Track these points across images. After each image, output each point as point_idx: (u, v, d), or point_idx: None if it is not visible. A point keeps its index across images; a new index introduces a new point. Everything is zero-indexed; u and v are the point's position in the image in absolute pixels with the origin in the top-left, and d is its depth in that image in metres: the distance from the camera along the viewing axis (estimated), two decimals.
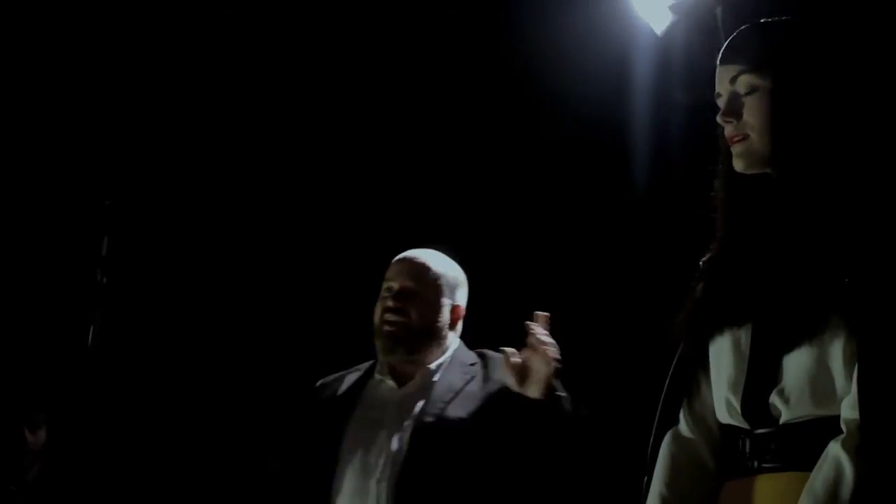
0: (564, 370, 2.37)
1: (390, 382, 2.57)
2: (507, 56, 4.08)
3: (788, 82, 1.64)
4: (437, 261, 2.64)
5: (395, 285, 2.58)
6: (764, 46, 1.68)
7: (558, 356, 2.29)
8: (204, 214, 4.31)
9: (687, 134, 3.90)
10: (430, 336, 2.57)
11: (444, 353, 2.59)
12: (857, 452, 1.45)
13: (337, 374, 2.70)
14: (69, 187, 4.11)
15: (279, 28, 4.16)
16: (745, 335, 1.65)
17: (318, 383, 2.70)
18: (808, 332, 1.56)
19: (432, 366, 2.56)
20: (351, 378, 2.64)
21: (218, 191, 4.33)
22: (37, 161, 4.12)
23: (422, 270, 2.60)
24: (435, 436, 2.43)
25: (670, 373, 1.80)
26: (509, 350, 2.33)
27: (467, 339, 2.72)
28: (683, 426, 1.76)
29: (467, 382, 2.53)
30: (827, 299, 1.54)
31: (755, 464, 1.62)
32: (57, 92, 4.04)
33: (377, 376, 2.60)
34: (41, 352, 4.03)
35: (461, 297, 2.65)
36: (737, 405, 1.64)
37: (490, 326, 2.78)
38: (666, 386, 1.80)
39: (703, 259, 1.79)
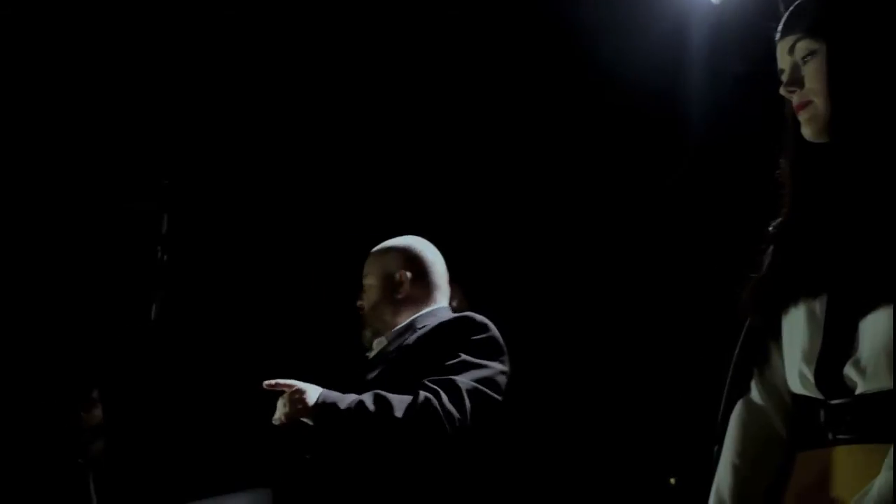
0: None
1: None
2: (563, 25, 4.05)
3: (844, 41, 1.63)
4: (377, 249, 2.88)
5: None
6: (819, 12, 1.68)
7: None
8: (260, 191, 4.33)
9: (742, 103, 3.85)
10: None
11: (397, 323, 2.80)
12: None
13: None
14: (129, 168, 4.16)
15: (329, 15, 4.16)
16: (819, 304, 1.62)
17: None
18: (885, 300, 1.52)
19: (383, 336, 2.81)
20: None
21: (273, 169, 4.35)
22: (97, 142, 4.15)
23: (367, 263, 2.88)
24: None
25: (740, 342, 1.77)
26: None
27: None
28: (755, 394, 1.74)
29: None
30: None
31: (831, 435, 1.59)
32: (117, 74, 4.07)
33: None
34: (102, 329, 4.09)
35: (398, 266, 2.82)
36: (810, 376, 1.61)
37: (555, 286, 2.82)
38: (736, 356, 1.77)
39: (771, 228, 1.76)
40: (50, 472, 3.52)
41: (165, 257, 3.46)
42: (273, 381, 2.51)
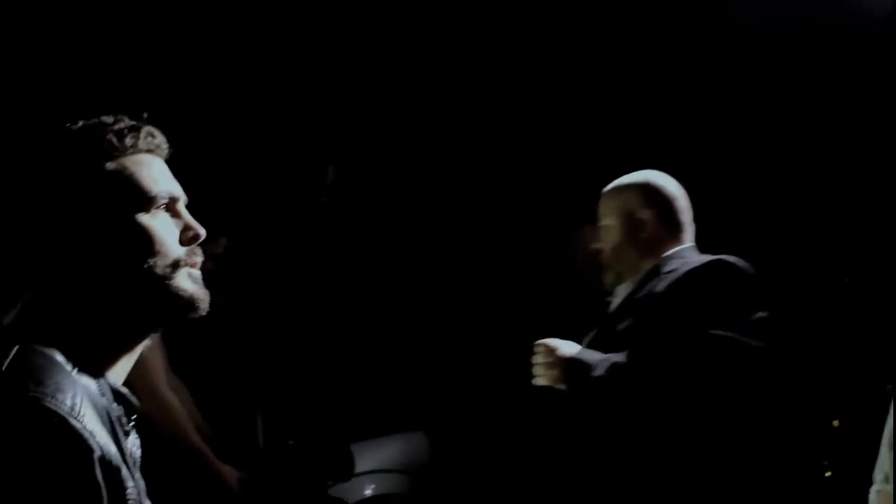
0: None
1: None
2: None
3: None
4: (613, 187, 2.69)
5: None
6: None
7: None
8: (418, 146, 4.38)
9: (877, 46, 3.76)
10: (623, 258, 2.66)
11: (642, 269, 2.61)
12: None
13: None
14: (300, 129, 4.24)
15: None
16: None
17: None
18: None
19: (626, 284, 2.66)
20: None
21: (430, 128, 4.39)
22: (276, 107, 4.24)
23: (602, 203, 2.69)
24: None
25: None
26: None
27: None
28: None
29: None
30: None
31: None
32: (291, 41, 4.15)
33: None
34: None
35: (640, 204, 2.63)
36: None
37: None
38: None
39: None
40: (223, 412, 3.65)
41: (329, 202, 3.53)
42: (539, 343, 2.46)
